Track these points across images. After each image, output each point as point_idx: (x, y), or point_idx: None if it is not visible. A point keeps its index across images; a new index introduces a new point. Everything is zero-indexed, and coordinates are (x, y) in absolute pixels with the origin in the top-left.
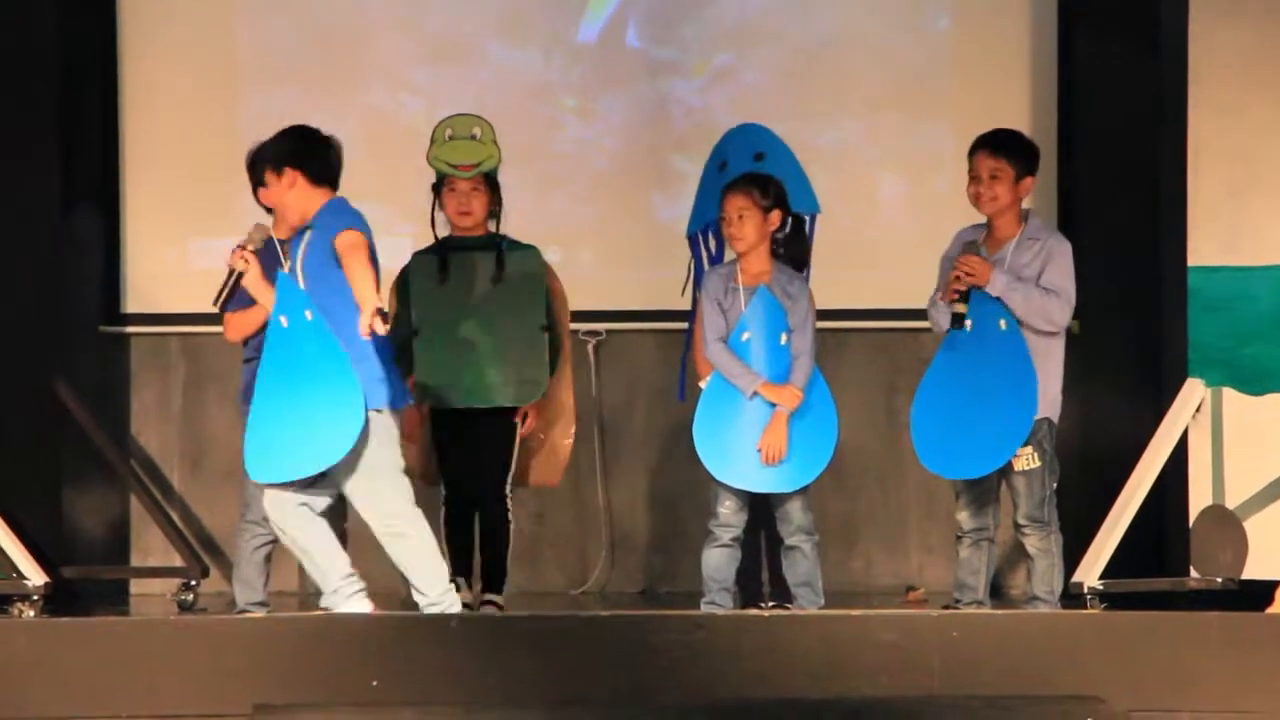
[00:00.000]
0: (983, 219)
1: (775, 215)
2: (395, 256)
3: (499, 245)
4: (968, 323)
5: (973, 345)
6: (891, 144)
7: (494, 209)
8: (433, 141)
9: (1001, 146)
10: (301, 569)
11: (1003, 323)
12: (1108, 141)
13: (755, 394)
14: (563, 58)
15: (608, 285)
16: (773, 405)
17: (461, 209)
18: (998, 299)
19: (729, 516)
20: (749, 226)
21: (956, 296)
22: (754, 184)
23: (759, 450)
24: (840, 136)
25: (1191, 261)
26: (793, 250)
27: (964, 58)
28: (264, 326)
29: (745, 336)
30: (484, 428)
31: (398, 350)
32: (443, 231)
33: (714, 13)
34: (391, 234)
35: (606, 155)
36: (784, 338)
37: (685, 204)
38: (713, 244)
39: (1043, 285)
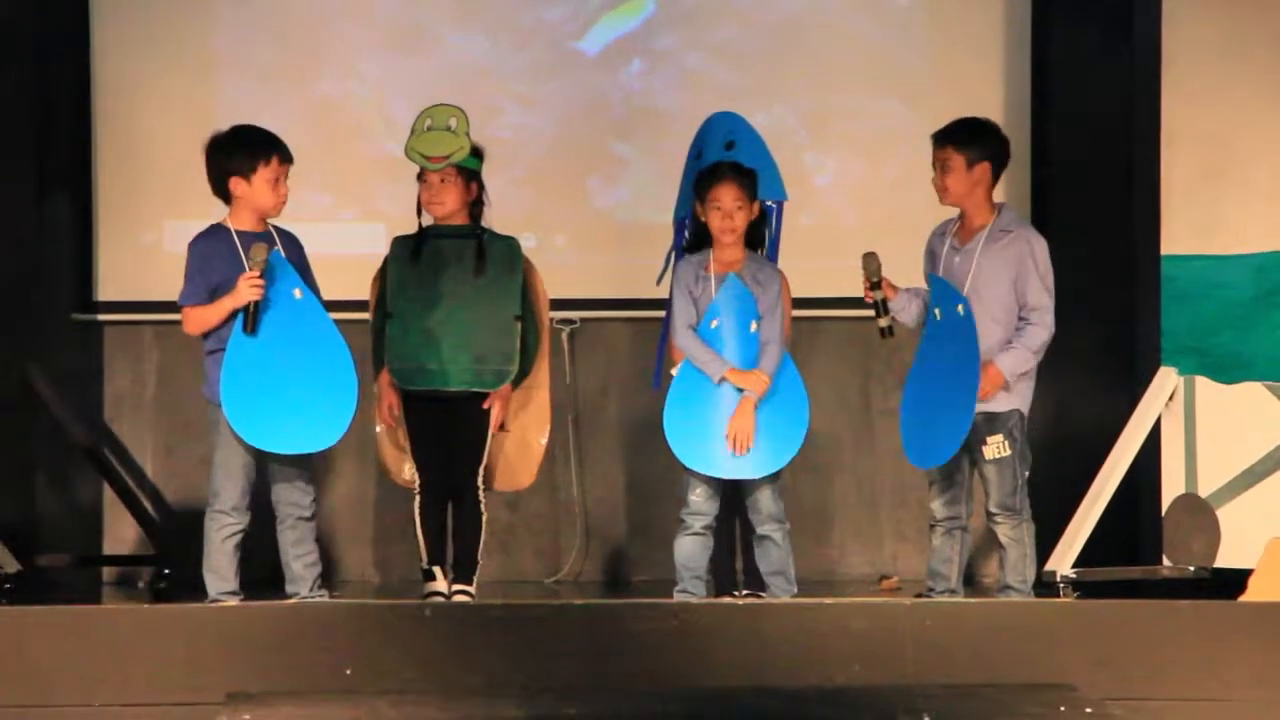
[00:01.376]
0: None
1: (755, 206)
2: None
3: (479, 236)
4: (882, 321)
5: (942, 333)
6: (867, 130)
7: (475, 200)
8: (411, 132)
9: (946, 136)
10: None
11: (960, 308)
12: (1080, 129)
13: (723, 380)
14: (509, 43)
15: (577, 271)
16: (740, 391)
17: (433, 200)
18: (956, 288)
19: (700, 504)
20: (741, 218)
21: (873, 307)
22: (745, 175)
23: (727, 436)
24: (815, 122)
25: (1164, 250)
26: (752, 238)
27: (937, 43)
28: (228, 319)
29: (715, 324)
30: (458, 416)
31: (375, 334)
32: (428, 220)
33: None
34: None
35: (554, 141)
36: (754, 325)
37: (626, 190)
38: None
39: (1029, 307)
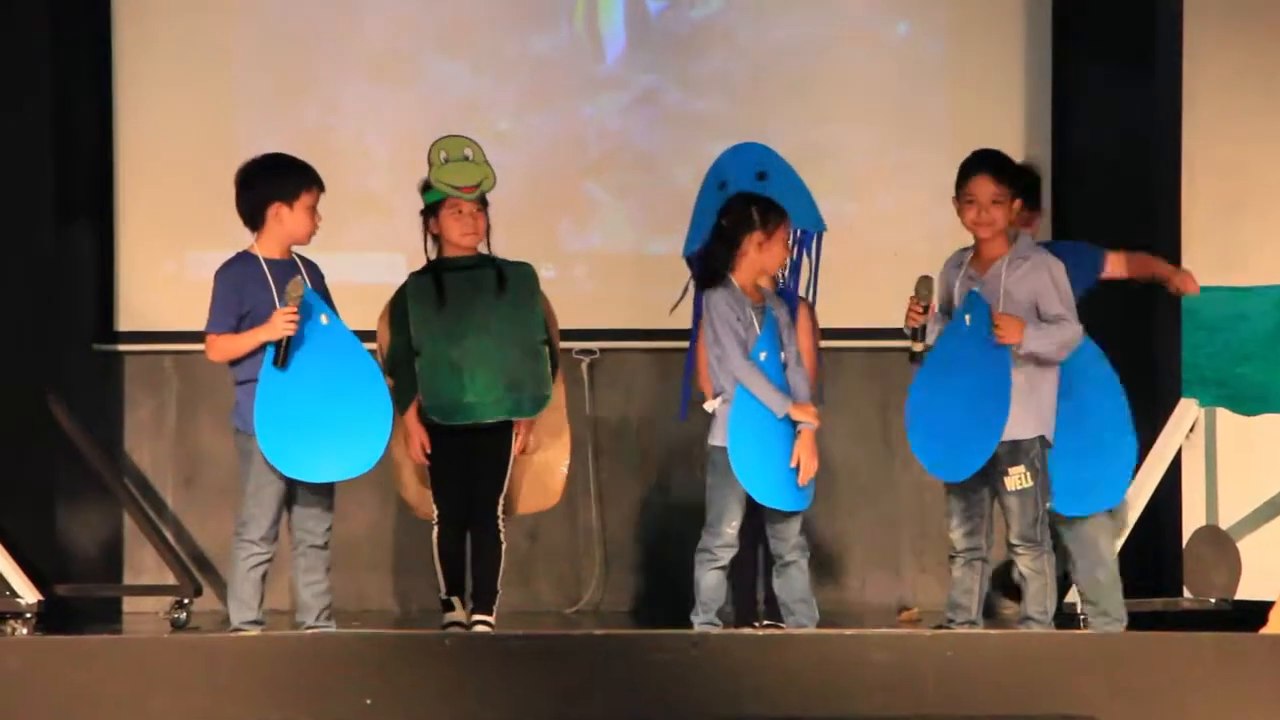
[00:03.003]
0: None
1: None
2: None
3: (496, 263)
4: (917, 346)
5: (969, 341)
6: (889, 163)
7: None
8: (430, 164)
9: (1003, 171)
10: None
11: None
12: (1102, 161)
13: (786, 415)
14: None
15: (595, 301)
16: (794, 424)
17: (466, 230)
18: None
19: (733, 537)
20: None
21: (913, 331)
22: None
23: (795, 469)
24: (837, 152)
25: None
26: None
27: (958, 77)
28: (255, 350)
29: (764, 356)
30: (479, 446)
31: (390, 371)
32: (433, 253)
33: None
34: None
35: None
36: (782, 355)
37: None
38: None
39: (1052, 315)
